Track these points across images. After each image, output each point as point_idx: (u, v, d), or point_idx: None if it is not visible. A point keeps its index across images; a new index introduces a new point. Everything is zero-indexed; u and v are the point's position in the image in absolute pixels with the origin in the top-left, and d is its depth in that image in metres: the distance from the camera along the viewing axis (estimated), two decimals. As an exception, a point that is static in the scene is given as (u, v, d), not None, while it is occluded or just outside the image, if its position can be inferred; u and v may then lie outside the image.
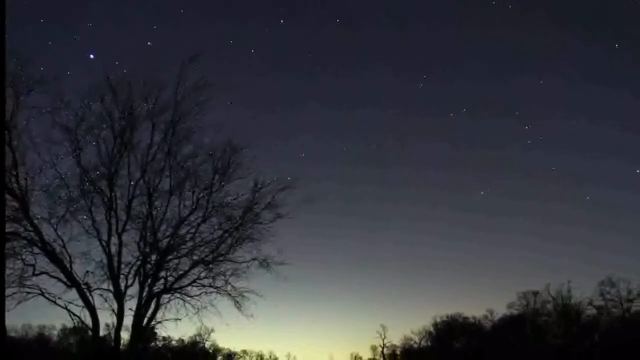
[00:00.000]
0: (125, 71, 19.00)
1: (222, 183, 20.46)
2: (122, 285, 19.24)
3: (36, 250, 18.15)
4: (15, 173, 17.51)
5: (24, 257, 18.00)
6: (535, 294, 66.47)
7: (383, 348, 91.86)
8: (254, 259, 20.80)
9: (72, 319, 18.79)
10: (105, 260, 19.04)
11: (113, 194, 19.02)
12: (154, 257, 19.83)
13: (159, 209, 19.94)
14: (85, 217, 18.92)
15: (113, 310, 19.00)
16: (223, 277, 20.74)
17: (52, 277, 18.43)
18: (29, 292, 18.01)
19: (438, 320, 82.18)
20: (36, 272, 18.20)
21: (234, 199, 20.70)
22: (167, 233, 20.10)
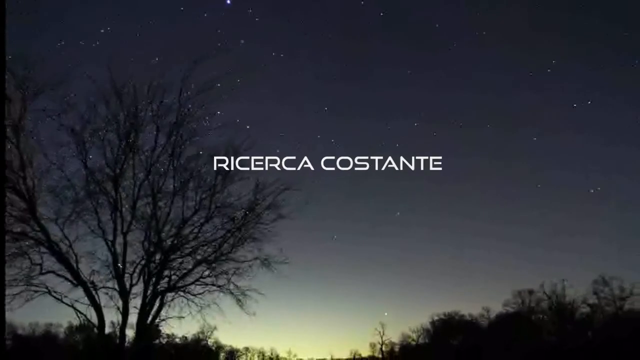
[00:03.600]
0: (130, 74, 19.30)
1: (225, 184, 20.84)
2: (127, 284, 19.55)
3: (43, 249, 18.50)
4: (22, 174, 17.85)
5: (31, 256, 18.36)
6: (531, 292, 67.29)
7: (382, 345, 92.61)
8: (255, 259, 21.11)
9: (78, 317, 19.12)
10: (110, 260, 19.37)
11: (118, 195, 19.33)
12: (158, 256, 20.14)
13: (163, 209, 20.24)
14: (91, 217, 19.24)
15: (118, 309, 19.33)
16: (225, 276, 21.04)
17: (59, 276, 18.78)
18: (36, 291, 18.39)
19: (435, 318, 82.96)
20: (43, 271, 18.57)
21: (237, 200, 21.06)
22: (171, 233, 20.44)
